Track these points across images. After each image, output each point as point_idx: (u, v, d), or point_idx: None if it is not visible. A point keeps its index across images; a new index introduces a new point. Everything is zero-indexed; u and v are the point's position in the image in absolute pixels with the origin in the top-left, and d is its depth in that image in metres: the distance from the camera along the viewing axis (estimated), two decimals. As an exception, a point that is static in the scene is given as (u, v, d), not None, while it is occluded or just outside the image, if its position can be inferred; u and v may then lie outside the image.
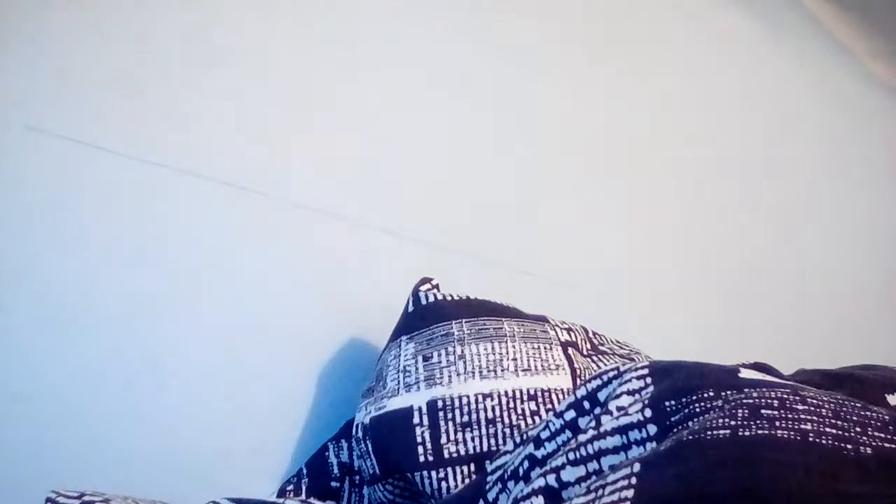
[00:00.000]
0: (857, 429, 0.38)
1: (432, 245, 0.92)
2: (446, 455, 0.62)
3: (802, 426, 0.38)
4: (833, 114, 1.65)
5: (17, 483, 0.61)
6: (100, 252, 0.68)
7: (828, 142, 1.62)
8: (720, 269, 1.30)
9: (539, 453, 0.50)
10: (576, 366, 0.69)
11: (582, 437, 0.46)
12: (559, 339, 0.71)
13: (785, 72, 1.55)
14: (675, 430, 0.42)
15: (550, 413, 0.53)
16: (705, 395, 0.43)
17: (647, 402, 0.45)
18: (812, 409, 0.39)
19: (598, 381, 0.51)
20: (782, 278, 1.42)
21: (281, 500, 0.66)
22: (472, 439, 0.63)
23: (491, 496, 0.52)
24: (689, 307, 1.23)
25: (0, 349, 0.63)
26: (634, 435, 0.44)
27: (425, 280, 0.76)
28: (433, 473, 0.62)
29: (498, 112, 1.04)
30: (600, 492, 0.40)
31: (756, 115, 1.46)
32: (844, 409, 0.39)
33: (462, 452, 0.63)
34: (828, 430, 0.37)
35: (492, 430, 0.63)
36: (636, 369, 0.49)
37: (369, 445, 0.66)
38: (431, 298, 0.73)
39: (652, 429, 0.44)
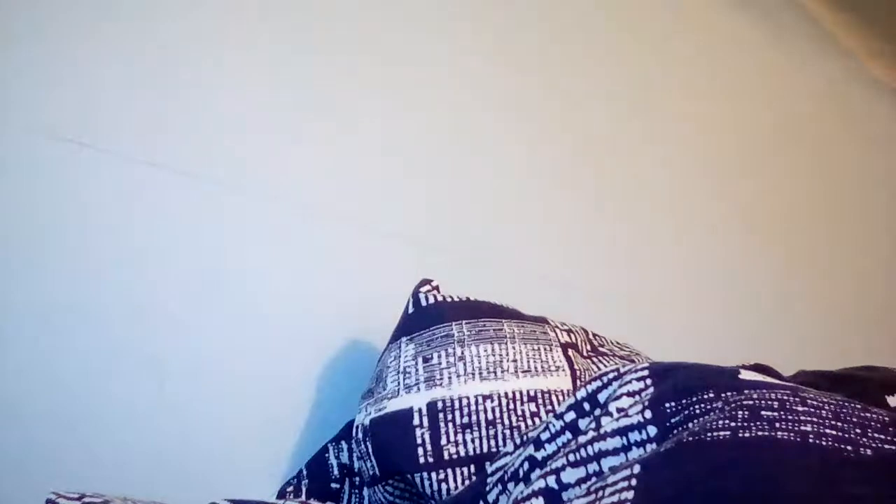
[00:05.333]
0: (858, 430, 0.38)
1: (432, 245, 0.92)
2: (446, 456, 0.62)
3: (802, 427, 0.37)
4: (833, 114, 1.65)
5: (17, 484, 0.61)
6: (100, 253, 0.68)
7: (828, 142, 1.62)
8: (720, 269, 1.30)
9: (539, 455, 0.50)
10: (576, 367, 0.69)
11: (582, 439, 0.46)
12: (559, 341, 0.71)
13: (785, 72, 1.55)
14: (675, 431, 0.42)
15: (550, 414, 0.53)
16: (705, 396, 0.43)
17: (647, 403, 0.45)
18: (812, 410, 0.39)
19: (599, 383, 0.51)
20: (782, 279, 1.42)
21: (281, 502, 0.66)
22: (472, 441, 0.63)
23: (491, 497, 0.52)
24: (689, 307, 1.23)
25: (0, 351, 0.63)
26: (634, 436, 0.44)
27: (425, 281, 0.76)
28: (433, 475, 0.62)
29: (499, 113, 1.04)
30: (600, 493, 0.40)
31: (756, 116, 1.46)
32: (844, 410, 0.39)
33: (462, 454, 0.63)
34: (828, 431, 0.37)
35: (492, 432, 0.63)
36: (636, 371, 0.49)
37: (369, 446, 0.66)
38: (431, 300, 0.73)
39: (652, 430, 0.44)
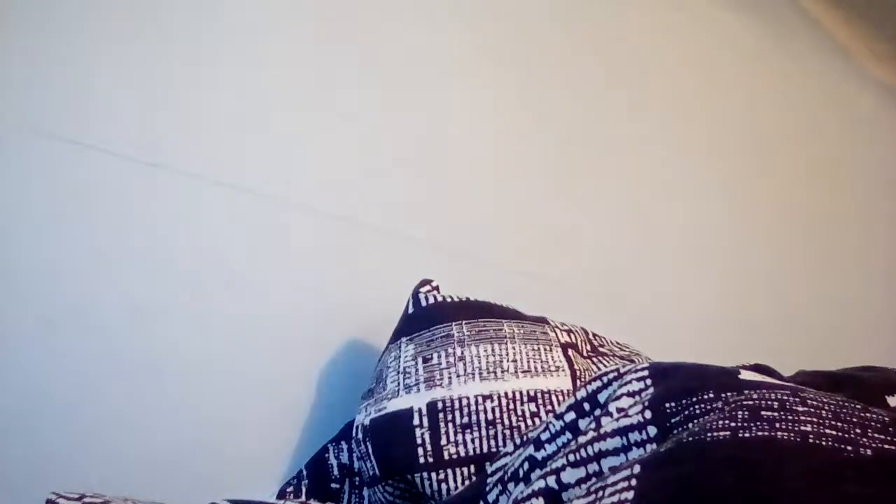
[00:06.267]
0: (857, 430, 0.38)
1: (432, 245, 0.92)
2: (446, 456, 0.62)
3: (802, 428, 0.37)
4: (833, 114, 1.65)
5: (17, 484, 0.61)
6: (100, 253, 0.68)
7: (828, 142, 1.62)
8: (720, 269, 1.30)
9: (539, 455, 0.50)
10: (576, 367, 0.69)
11: (582, 439, 0.46)
12: (559, 341, 0.71)
13: (785, 73, 1.55)
14: (675, 431, 0.42)
15: (550, 415, 0.53)
16: (705, 396, 0.43)
17: (647, 403, 0.45)
18: (812, 410, 0.39)
19: (599, 383, 0.51)
20: (782, 279, 1.42)
21: (281, 502, 0.66)
22: (472, 441, 0.63)
23: (491, 498, 0.52)
24: (689, 308, 1.23)
25: (1, 350, 0.63)
26: (634, 436, 0.44)
27: (425, 282, 0.76)
28: (433, 475, 0.62)
29: (498, 112, 1.04)
30: (600, 493, 0.40)
31: (756, 117, 1.46)
32: (844, 410, 0.39)
33: (462, 454, 0.63)
34: (828, 431, 0.37)
35: (492, 432, 0.63)
36: (636, 371, 0.49)
37: (369, 447, 0.66)
38: (431, 300, 0.73)
39: (652, 430, 0.44)
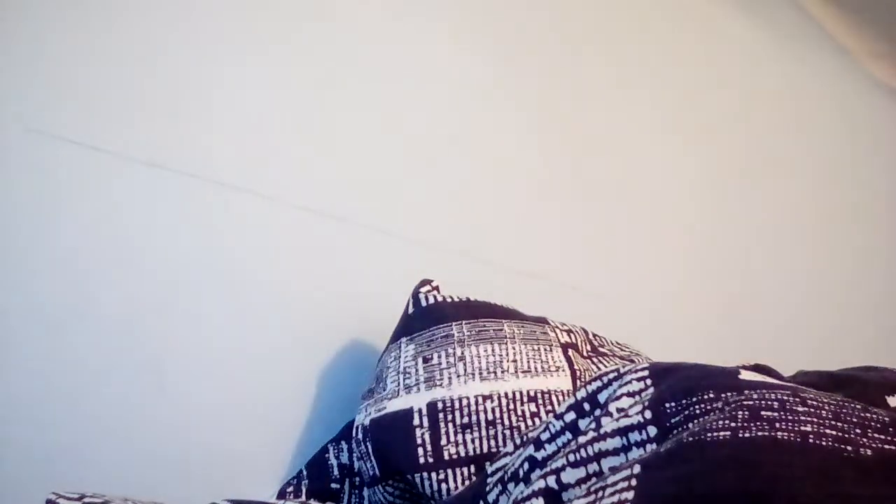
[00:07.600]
0: (858, 430, 0.38)
1: (432, 245, 0.92)
2: (446, 456, 0.62)
3: (802, 428, 0.37)
4: (833, 115, 1.65)
5: (17, 484, 0.61)
6: (100, 253, 0.68)
7: (828, 142, 1.62)
8: (720, 270, 1.30)
9: (539, 455, 0.50)
10: (576, 367, 0.69)
11: (582, 439, 0.46)
12: (559, 341, 0.71)
13: (785, 73, 1.55)
14: (676, 431, 0.42)
15: (550, 415, 0.53)
16: (705, 396, 0.43)
17: (647, 403, 0.45)
18: (812, 410, 0.39)
19: (599, 383, 0.51)
20: (782, 279, 1.42)
21: (281, 502, 0.66)
22: (472, 441, 0.63)
23: (491, 498, 0.52)
24: (690, 308, 1.23)
25: (0, 351, 0.63)
26: (634, 436, 0.44)
27: (425, 282, 0.76)
28: (433, 475, 0.62)
29: (498, 113, 1.04)
30: (600, 493, 0.40)
31: (756, 117, 1.46)
32: (844, 410, 0.39)
33: (462, 454, 0.63)
34: (828, 431, 0.37)
35: (492, 432, 0.63)
36: (636, 371, 0.49)
37: (369, 447, 0.66)
38: (431, 300, 0.73)
39: (652, 430, 0.44)
